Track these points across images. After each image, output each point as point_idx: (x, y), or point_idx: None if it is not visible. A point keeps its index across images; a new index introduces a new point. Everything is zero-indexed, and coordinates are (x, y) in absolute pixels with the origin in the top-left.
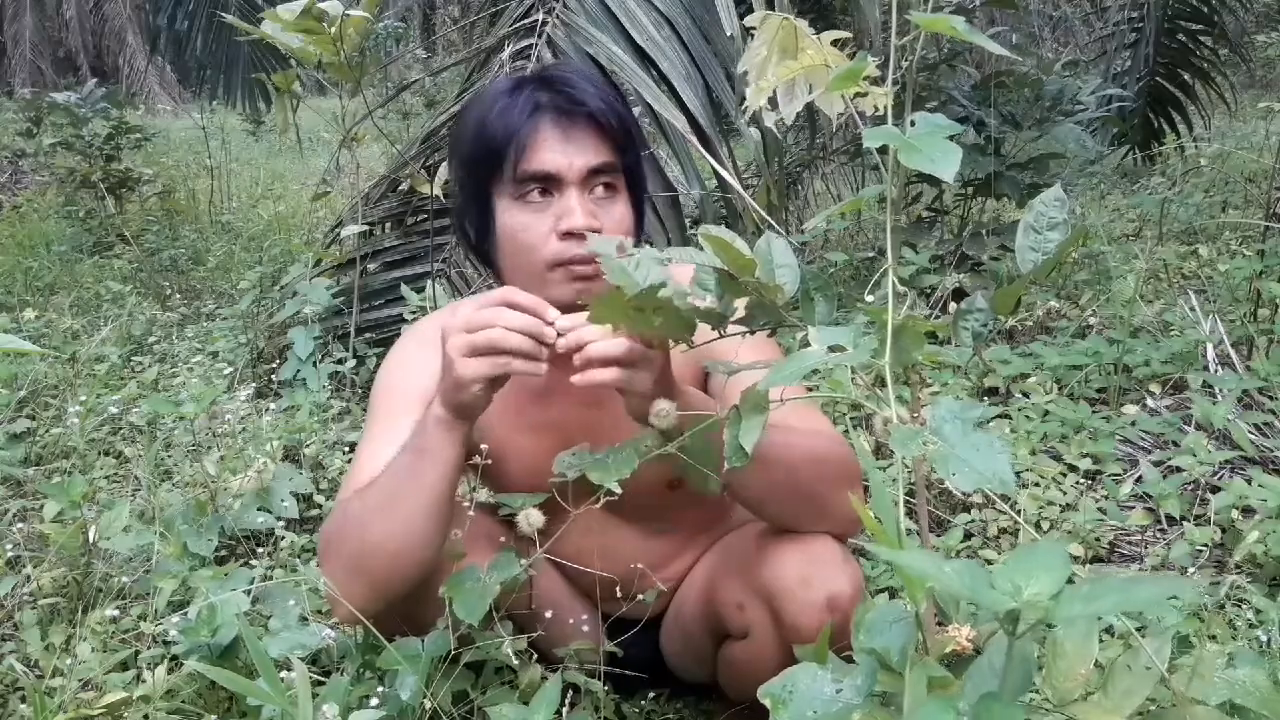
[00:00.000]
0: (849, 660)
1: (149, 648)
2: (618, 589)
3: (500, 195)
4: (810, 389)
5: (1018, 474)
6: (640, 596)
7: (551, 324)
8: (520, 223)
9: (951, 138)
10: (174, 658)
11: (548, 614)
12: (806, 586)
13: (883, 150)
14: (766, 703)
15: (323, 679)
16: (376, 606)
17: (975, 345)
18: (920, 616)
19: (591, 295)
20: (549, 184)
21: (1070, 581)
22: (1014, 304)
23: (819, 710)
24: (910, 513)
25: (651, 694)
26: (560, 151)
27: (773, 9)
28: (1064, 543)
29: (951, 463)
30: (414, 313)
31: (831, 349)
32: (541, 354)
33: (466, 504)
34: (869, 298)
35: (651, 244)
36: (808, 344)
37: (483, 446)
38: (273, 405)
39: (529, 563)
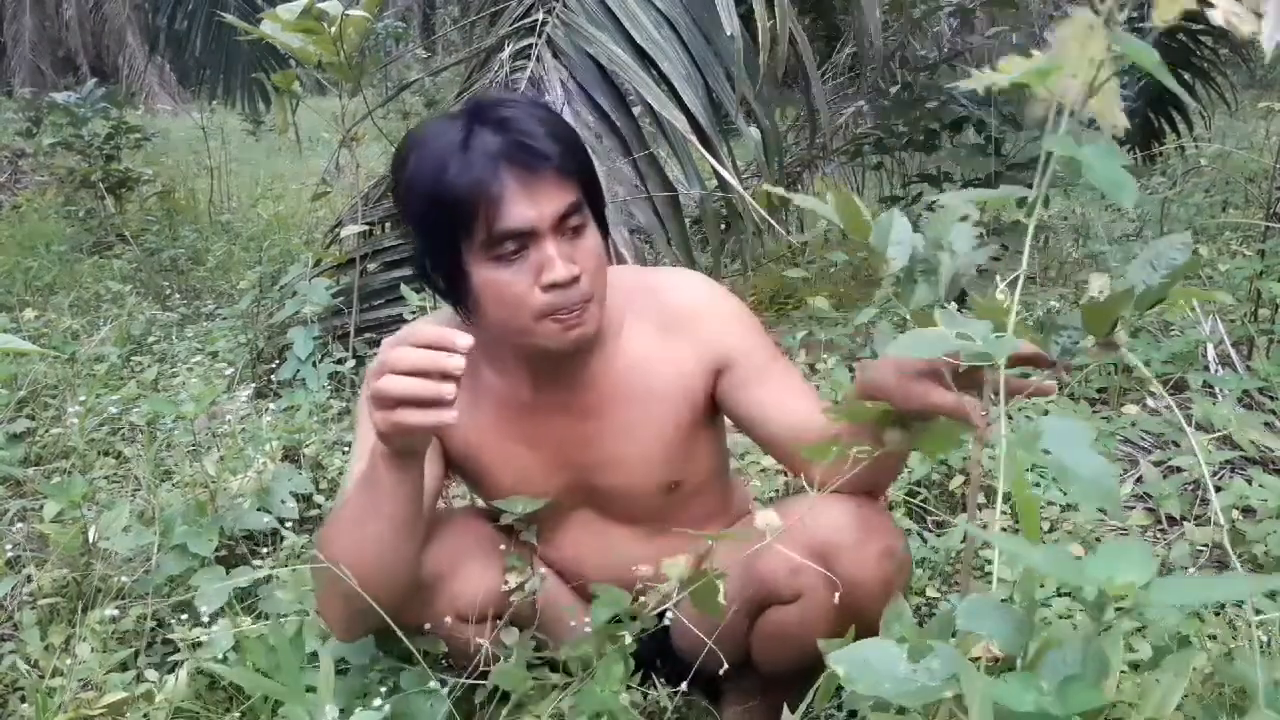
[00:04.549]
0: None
1: (148, 645)
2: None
3: (472, 253)
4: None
5: None
6: (642, 599)
7: (462, 352)
8: (501, 280)
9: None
10: (173, 661)
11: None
12: (863, 543)
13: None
14: (838, 669)
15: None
16: (364, 628)
17: (1061, 361)
18: (1032, 603)
19: (579, 339)
20: (524, 239)
21: None
22: (1110, 325)
23: (894, 687)
24: (910, 513)
25: (652, 692)
26: (530, 205)
27: (773, 9)
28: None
29: (1064, 476)
30: (414, 313)
31: (958, 336)
32: (443, 394)
33: (465, 501)
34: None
35: (652, 245)
36: (802, 340)
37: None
38: (272, 405)
39: (531, 562)
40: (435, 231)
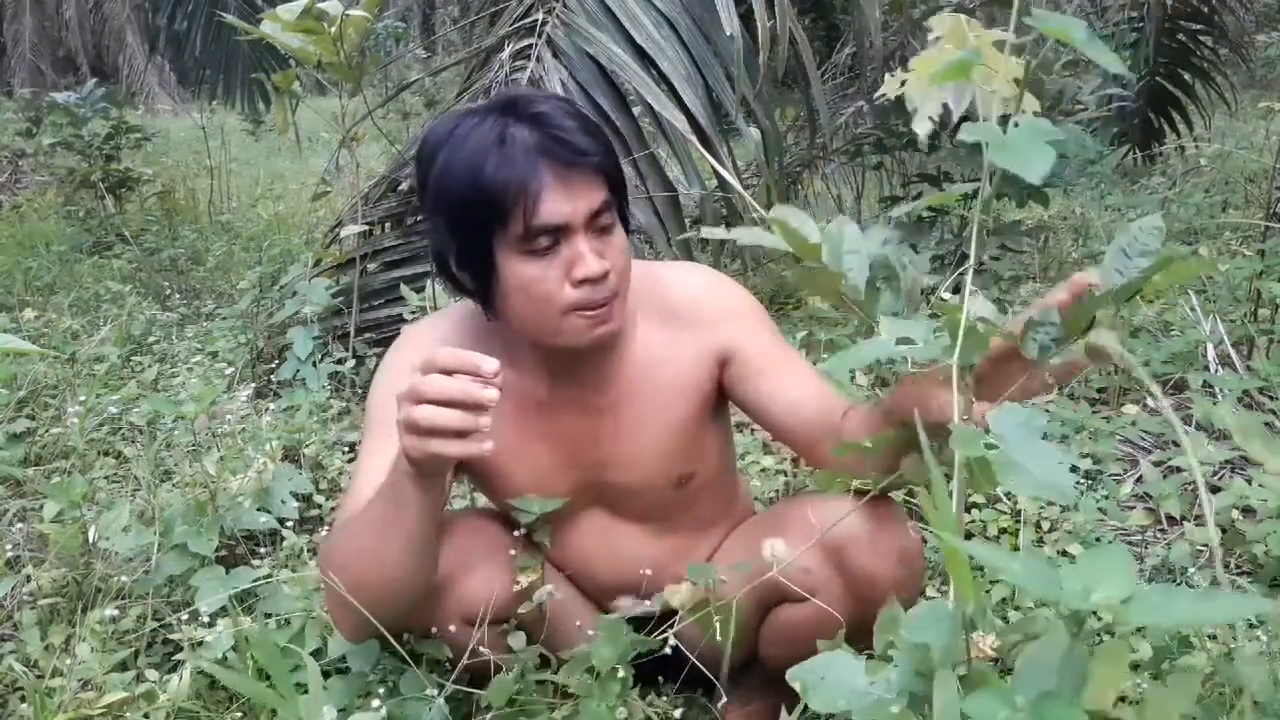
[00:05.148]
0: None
1: (148, 645)
2: (628, 588)
3: (503, 246)
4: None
5: None
6: (647, 603)
7: (490, 379)
8: (532, 274)
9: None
10: (174, 662)
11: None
12: (876, 539)
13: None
14: (796, 686)
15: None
16: (372, 631)
17: (1042, 359)
18: (967, 616)
19: (603, 336)
20: (557, 234)
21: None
22: (1089, 323)
23: (849, 701)
24: (911, 513)
25: (651, 696)
26: (566, 200)
27: (773, 9)
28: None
29: (1012, 470)
30: (414, 313)
31: (899, 341)
32: (479, 425)
33: (464, 503)
34: (947, 295)
35: (652, 245)
36: (802, 340)
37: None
38: (272, 405)
39: (542, 564)
40: (468, 226)
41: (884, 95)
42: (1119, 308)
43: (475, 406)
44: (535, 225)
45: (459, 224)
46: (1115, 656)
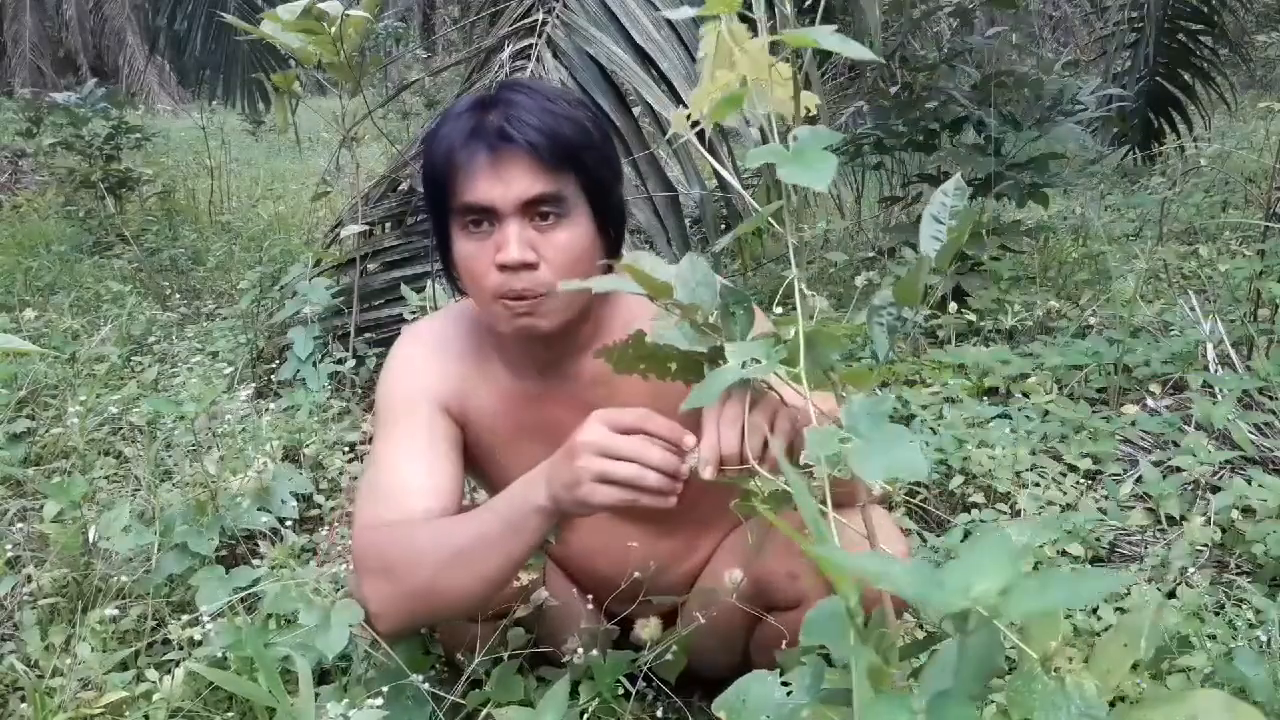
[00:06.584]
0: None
1: (148, 645)
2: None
3: (451, 220)
4: None
5: (1018, 474)
6: (646, 626)
7: (686, 452)
8: (467, 251)
9: (835, 149)
10: (173, 661)
11: (551, 596)
12: (864, 547)
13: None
14: (721, 715)
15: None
16: (419, 629)
17: (892, 340)
18: (852, 609)
19: (526, 328)
20: (487, 215)
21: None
22: (920, 294)
23: (770, 715)
24: (910, 513)
25: (652, 694)
26: (492, 183)
27: (773, 9)
28: (1009, 533)
29: (865, 457)
30: (414, 313)
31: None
32: (675, 489)
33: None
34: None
35: (652, 245)
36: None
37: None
38: (273, 405)
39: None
40: (428, 192)
41: (676, 136)
42: (943, 271)
43: (673, 475)
44: (460, 203)
45: (425, 190)
46: (1121, 655)
